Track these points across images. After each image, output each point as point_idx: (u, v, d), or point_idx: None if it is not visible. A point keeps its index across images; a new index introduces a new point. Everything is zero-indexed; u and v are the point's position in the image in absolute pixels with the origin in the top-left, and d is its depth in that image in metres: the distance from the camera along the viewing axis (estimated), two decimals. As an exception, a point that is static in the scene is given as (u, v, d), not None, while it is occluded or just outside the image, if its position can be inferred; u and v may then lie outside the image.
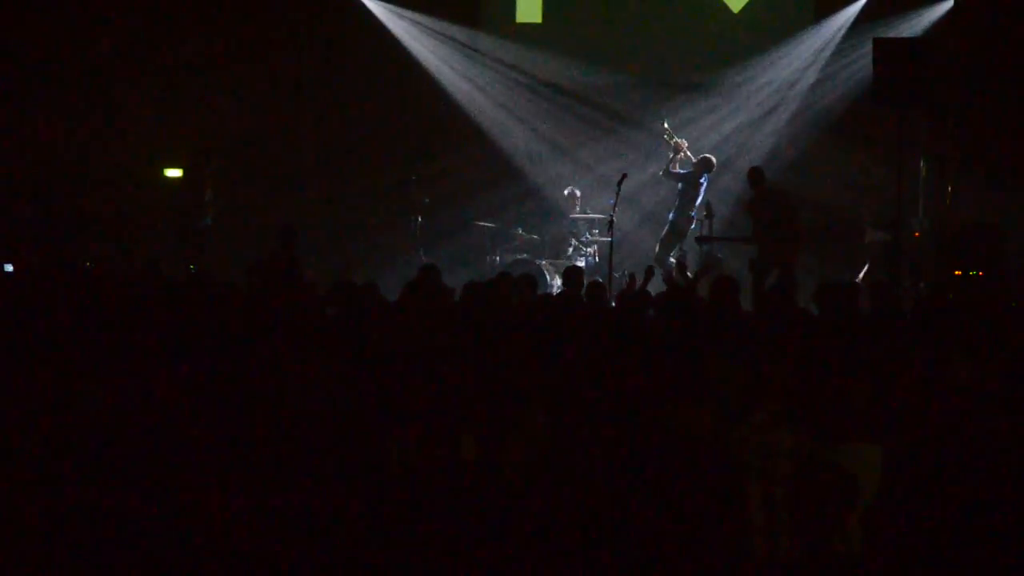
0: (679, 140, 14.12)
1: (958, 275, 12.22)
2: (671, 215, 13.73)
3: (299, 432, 4.76)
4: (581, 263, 13.57)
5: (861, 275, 13.35)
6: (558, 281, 13.10)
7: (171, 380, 5.40)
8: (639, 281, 9.65)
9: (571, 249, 14.23)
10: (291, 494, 4.40)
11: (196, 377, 5.44)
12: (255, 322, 7.04)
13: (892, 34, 14.31)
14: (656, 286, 11.20)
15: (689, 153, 14.03)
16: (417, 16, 16.11)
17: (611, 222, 12.56)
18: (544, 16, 16.08)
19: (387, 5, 16.11)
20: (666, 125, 14.29)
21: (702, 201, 13.69)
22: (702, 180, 13.67)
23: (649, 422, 4.55)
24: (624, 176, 12.75)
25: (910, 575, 4.42)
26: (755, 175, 12.82)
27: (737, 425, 4.74)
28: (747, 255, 12.42)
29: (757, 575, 4.29)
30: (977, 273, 12.12)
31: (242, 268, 10.43)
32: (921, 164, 14.08)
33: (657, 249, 13.88)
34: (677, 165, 13.97)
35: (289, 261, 11.53)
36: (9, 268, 11.76)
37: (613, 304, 10.96)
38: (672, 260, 13.72)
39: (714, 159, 13.87)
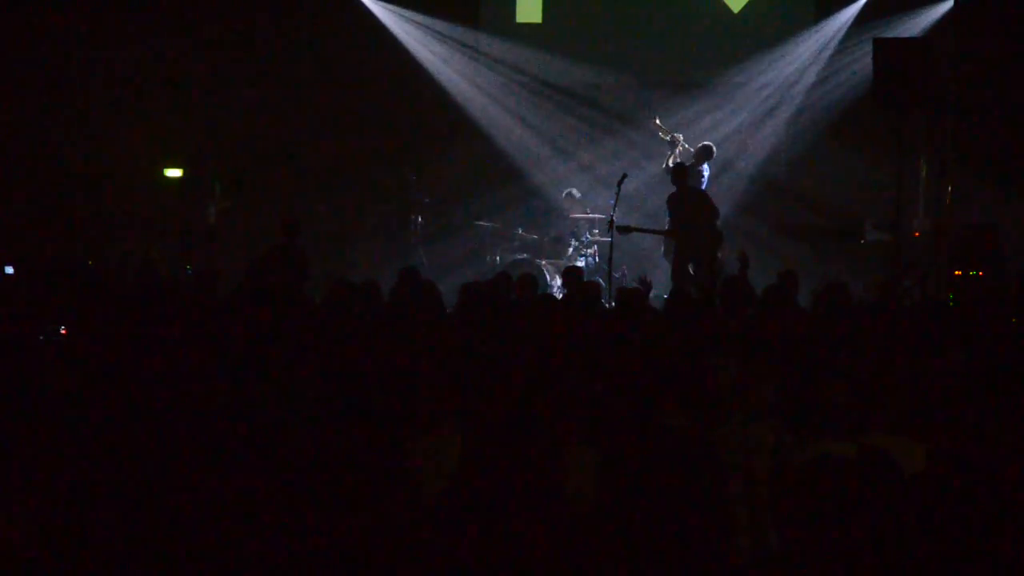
0: (675, 134, 14.12)
1: (958, 275, 12.23)
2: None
3: (296, 436, 4.76)
4: (581, 263, 13.58)
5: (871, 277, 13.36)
6: (558, 281, 13.11)
7: (167, 382, 5.40)
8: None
9: (571, 249, 14.23)
10: (289, 500, 4.40)
11: (192, 379, 5.45)
12: (253, 323, 7.04)
13: (892, 34, 14.30)
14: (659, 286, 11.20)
15: (687, 145, 14.03)
16: (417, 16, 16.11)
17: (611, 222, 12.56)
18: (544, 16, 16.06)
19: (387, 5, 16.11)
20: (658, 121, 14.29)
21: (706, 189, 13.69)
22: (702, 169, 13.63)
23: (642, 422, 4.54)
24: (624, 176, 12.75)
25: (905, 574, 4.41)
26: (682, 174, 12.87)
27: (719, 422, 4.74)
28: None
29: (741, 574, 4.28)
30: (977, 273, 12.13)
31: (242, 266, 10.46)
32: (921, 164, 14.09)
33: (663, 249, 13.91)
34: (676, 159, 13.96)
35: (296, 255, 11.56)
36: (10, 270, 11.76)
37: (614, 304, 10.97)
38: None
39: (713, 146, 13.86)
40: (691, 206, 12.64)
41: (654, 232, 13.33)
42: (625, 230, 12.95)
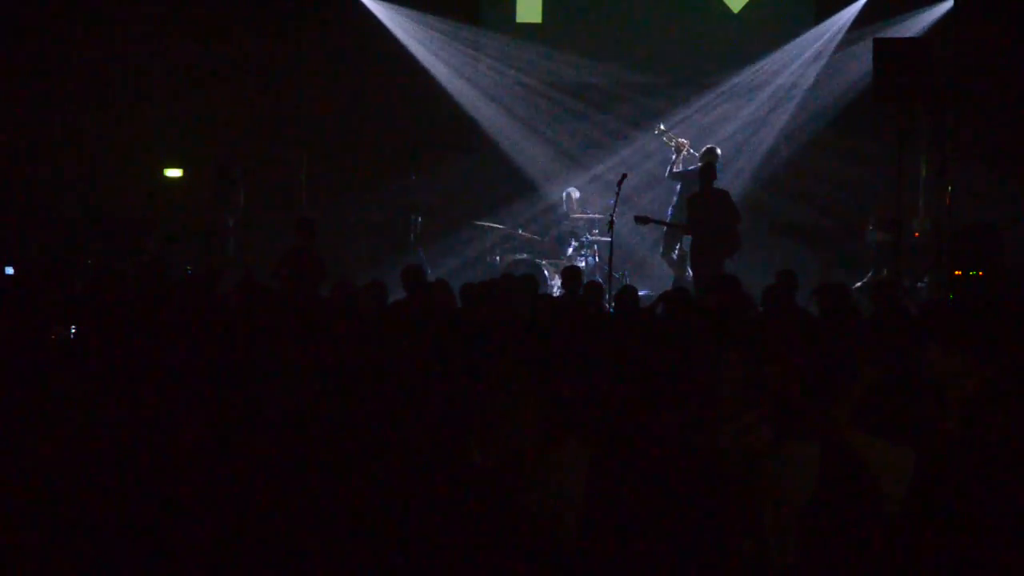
0: (680, 140, 14.16)
1: (958, 275, 12.23)
2: (669, 212, 13.75)
3: (298, 435, 4.77)
4: (581, 263, 13.59)
5: (868, 276, 13.39)
6: (558, 281, 13.13)
7: (170, 382, 5.41)
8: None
9: (571, 249, 14.24)
10: (292, 499, 4.41)
11: (195, 379, 5.46)
12: (256, 323, 7.05)
13: (892, 34, 14.31)
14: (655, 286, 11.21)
15: (692, 150, 14.06)
16: (417, 16, 16.12)
17: (611, 222, 12.58)
18: (544, 16, 16.08)
19: (387, 5, 16.13)
20: (662, 127, 14.32)
21: None
22: None
23: (643, 426, 4.54)
24: (624, 176, 12.77)
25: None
26: (711, 173, 12.86)
27: (724, 428, 4.73)
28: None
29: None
30: (977, 273, 12.13)
31: (244, 267, 10.49)
32: (921, 164, 14.10)
33: (662, 249, 13.96)
34: (680, 164, 14.01)
35: (313, 256, 11.59)
36: (9, 270, 11.77)
37: (614, 304, 10.98)
38: (675, 256, 13.79)
39: (719, 149, 13.85)
40: (712, 207, 12.59)
41: (672, 226, 13.33)
42: (643, 221, 13.01)
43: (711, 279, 11.85)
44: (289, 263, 11.37)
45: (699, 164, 13.76)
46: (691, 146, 14.14)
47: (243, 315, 7.33)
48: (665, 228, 13.72)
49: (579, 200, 14.62)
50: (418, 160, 15.56)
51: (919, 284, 12.89)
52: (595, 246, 14.22)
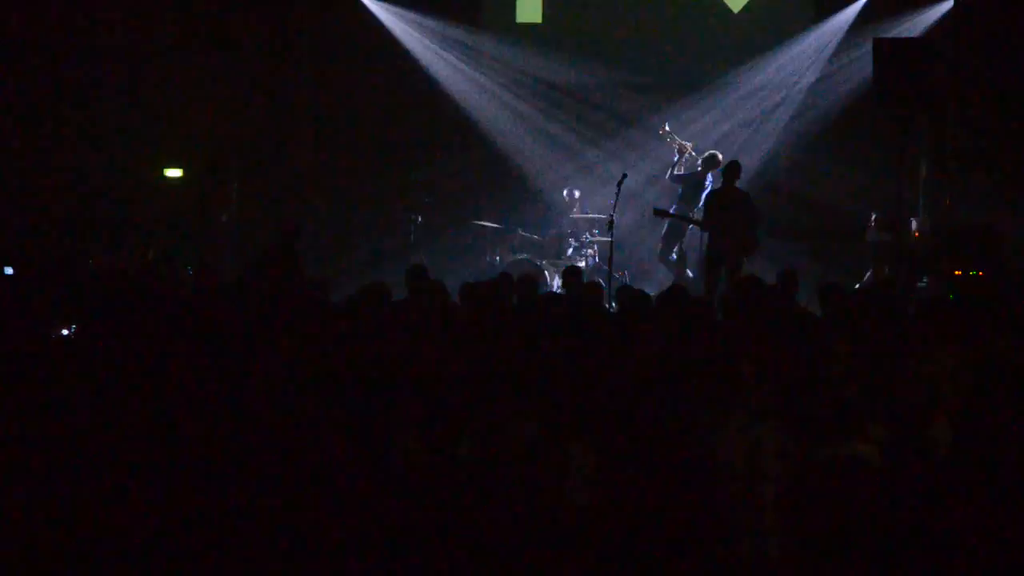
0: (682, 142, 14.15)
1: (958, 275, 12.24)
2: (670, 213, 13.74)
3: (295, 434, 4.77)
4: (581, 263, 13.59)
5: (867, 276, 13.39)
6: (558, 281, 13.13)
7: (170, 379, 5.41)
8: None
9: (571, 249, 14.24)
10: (289, 496, 4.41)
11: (194, 377, 5.46)
12: (254, 321, 7.05)
13: (892, 34, 14.30)
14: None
15: (694, 153, 14.06)
16: (417, 16, 16.12)
17: (611, 222, 12.57)
18: (544, 16, 16.08)
19: (387, 5, 16.12)
20: (667, 128, 14.31)
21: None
22: (707, 180, 13.65)
23: (641, 425, 4.55)
24: (624, 176, 12.76)
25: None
26: (736, 171, 12.76)
27: (720, 426, 4.73)
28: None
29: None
30: (977, 273, 12.14)
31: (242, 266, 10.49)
32: (921, 164, 14.10)
33: (659, 248, 13.94)
34: (682, 168, 14.00)
35: (289, 258, 11.59)
36: (9, 271, 11.76)
37: (615, 304, 10.99)
38: (674, 257, 13.77)
39: (720, 155, 13.84)
40: (730, 206, 12.45)
41: (688, 220, 13.29)
42: (661, 214, 13.00)
43: (735, 281, 11.79)
44: (269, 263, 11.40)
45: (699, 168, 13.75)
46: (685, 140, 14.14)
47: (243, 314, 7.33)
48: (664, 229, 13.71)
49: (579, 200, 14.62)
50: (418, 160, 15.56)
51: (919, 284, 12.89)
52: (595, 246, 14.22)
